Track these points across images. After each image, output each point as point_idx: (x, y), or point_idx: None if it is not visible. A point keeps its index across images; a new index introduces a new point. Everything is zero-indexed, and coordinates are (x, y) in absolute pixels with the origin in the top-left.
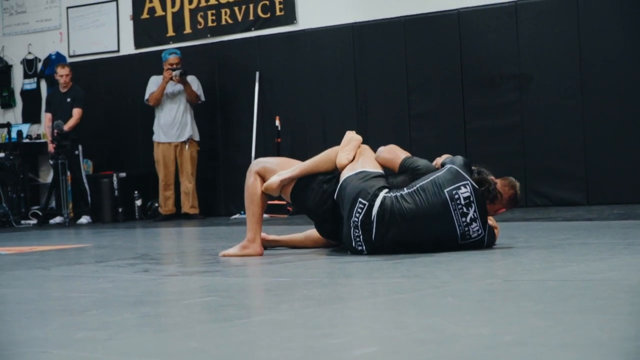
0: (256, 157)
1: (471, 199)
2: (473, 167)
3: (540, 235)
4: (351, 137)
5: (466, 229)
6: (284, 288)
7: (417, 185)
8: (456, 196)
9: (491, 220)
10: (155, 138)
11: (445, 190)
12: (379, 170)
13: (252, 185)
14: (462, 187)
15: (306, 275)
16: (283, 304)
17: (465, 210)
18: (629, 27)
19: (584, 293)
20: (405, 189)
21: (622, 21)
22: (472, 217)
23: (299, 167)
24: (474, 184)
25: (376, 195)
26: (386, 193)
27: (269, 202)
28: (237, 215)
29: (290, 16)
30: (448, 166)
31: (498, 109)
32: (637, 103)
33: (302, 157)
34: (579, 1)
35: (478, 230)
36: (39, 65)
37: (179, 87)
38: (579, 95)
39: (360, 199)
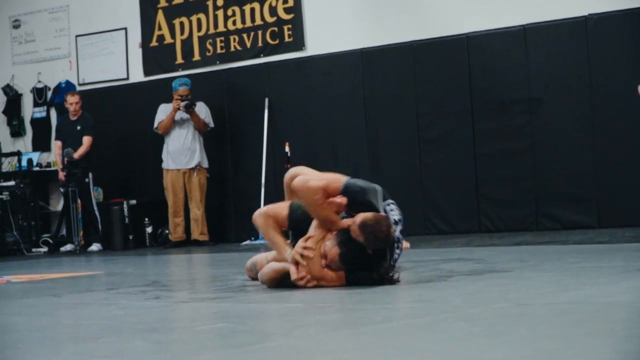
0: (266, 183)
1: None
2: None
3: (552, 259)
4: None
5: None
6: (297, 313)
7: None
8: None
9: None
10: (164, 165)
11: None
12: None
13: None
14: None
15: (318, 301)
16: (296, 329)
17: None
18: (639, 50)
19: (597, 316)
20: None
21: (631, 44)
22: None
23: None
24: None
25: None
26: None
27: None
28: (247, 242)
29: (299, 42)
30: None
31: (508, 132)
32: None
33: None
34: (588, 25)
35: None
36: (49, 93)
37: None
38: (589, 118)
39: None
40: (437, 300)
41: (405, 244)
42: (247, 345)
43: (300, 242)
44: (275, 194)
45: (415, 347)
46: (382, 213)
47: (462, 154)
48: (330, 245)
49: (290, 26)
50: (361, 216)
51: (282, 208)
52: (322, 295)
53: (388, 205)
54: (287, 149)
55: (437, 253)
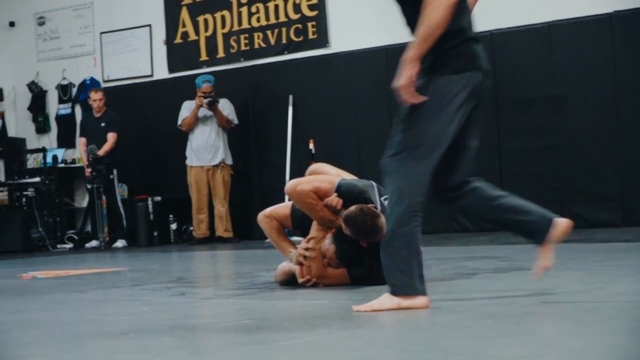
0: (290, 180)
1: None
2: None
3: (576, 257)
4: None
5: None
6: (321, 310)
7: None
8: None
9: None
10: (188, 162)
11: None
12: None
13: None
14: None
15: (343, 298)
16: (320, 326)
17: None
18: None
19: (622, 314)
20: None
21: None
22: None
23: None
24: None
25: None
26: None
27: None
28: None
29: (322, 39)
30: None
31: (532, 129)
32: None
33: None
34: (613, 21)
35: None
36: (74, 90)
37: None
38: (613, 115)
39: None
40: (462, 297)
41: None
42: (272, 342)
43: (303, 244)
44: None
45: (441, 344)
46: (374, 206)
47: (486, 151)
48: (328, 244)
49: (314, 23)
50: (346, 210)
51: (284, 208)
52: (346, 293)
53: (386, 199)
54: (311, 146)
55: (461, 251)
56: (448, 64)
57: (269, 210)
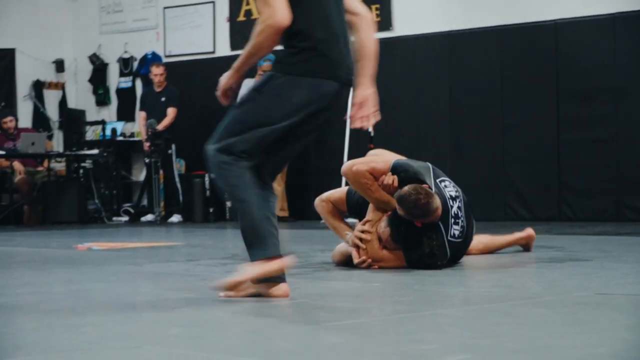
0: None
1: None
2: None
3: (633, 250)
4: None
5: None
6: (375, 293)
7: None
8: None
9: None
10: None
11: None
12: None
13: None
14: None
15: (396, 281)
16: (374, 308)
17: None
18: None
19: None
20: None
21: None
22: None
23: None
24: None
25: None
26: None
27: None
28: None
29: (386, 22)
30: None
31: (593, 121)
32: None
33: None
34: None
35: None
36: (135, 64)
37: None
38: None
39: None
40: (517, 286)
41: (528, 232)
42: (326, 322)
43: (359, 226)
44: None
45: (494, 331)
46: (429, 186)
47: (545, 141)
48: (383, 226)
49: (378, 6)
50: (400, 190)
51: (339, 192)
52: (400, 276)
53: (442, 181)
54: (370, 128)
55: None
56: (294, 65)
57: (325, 195)
